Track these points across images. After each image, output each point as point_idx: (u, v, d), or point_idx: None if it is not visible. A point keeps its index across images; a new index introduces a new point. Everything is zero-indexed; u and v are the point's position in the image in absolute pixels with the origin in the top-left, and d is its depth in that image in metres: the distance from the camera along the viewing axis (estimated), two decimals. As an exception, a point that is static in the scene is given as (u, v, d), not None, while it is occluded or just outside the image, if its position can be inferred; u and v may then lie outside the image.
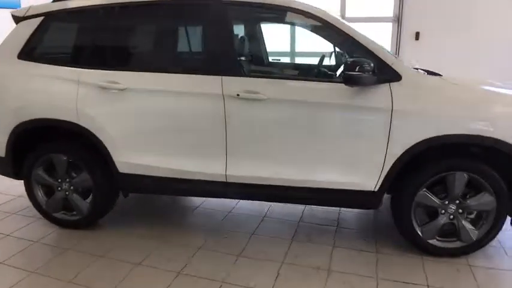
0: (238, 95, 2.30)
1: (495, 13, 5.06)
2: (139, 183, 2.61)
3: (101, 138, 2.52)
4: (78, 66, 2.55)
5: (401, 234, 2.47)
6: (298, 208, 3.07)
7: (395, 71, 2.22)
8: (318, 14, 2.31)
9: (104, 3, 2.53)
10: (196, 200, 3.23)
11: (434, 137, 2.16)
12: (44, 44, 2.70)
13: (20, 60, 2.66)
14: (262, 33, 3.33)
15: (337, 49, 2.70)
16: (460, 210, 2.31)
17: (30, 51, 2.67)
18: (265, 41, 3.25)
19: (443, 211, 2.33)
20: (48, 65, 2.61)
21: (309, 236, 2.68)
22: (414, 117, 2.19)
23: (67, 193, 2.73)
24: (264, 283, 2.16)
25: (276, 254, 2.45)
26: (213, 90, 2.34)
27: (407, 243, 2.48)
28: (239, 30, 2.99)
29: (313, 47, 3.05)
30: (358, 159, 2.31)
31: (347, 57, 2.34)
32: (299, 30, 2.97)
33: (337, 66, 2.43)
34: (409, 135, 2.20)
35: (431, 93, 2.24)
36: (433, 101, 2.21)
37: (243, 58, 2.79)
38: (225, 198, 2.69)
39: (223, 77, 2.34)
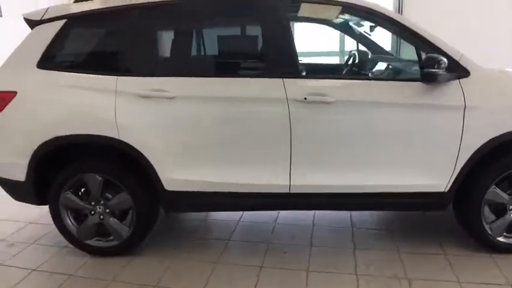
0: (305, 98, 2.13)
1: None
2: (189, 201, 2.37)
3: (145, 153, 2.24)
4: (114, 73, 2.26)
5: (470, 234, 2.42)
6: (341, 214, 2.94)
7: (463, 67, 2.15)
8: (382, 11, 2.20)
9: (144, 2, 2.26)
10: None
11: (506, 133, 2.13)
12: (69, 50, 2.39)
13: (41, 70, 2.32)
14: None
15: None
16: None
17: (52, 59, 2.35)
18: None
19: (511, 207, 2.30)
20: (76, 74, 2.30)
21: (367, 242, 2.57)
22: (486, 113, 2.14)
23: (101, 217, 2.42)
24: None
25: (346, 265, 2.31)
26: (275, 94, 2.16)
27: (467, 243, 2.44)
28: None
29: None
30: (431, 160, 2.22)
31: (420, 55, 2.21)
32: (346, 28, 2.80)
33: (406, 65, 2.33)
34: (482, 132, 2.15)
35: (499, 88, 2.20)
36: (502, 96, 2.17)
37: (303, 58, 2.62)
38: (285, 210, 2.52)
39: (285, 79, 2.16)
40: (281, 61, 2.20)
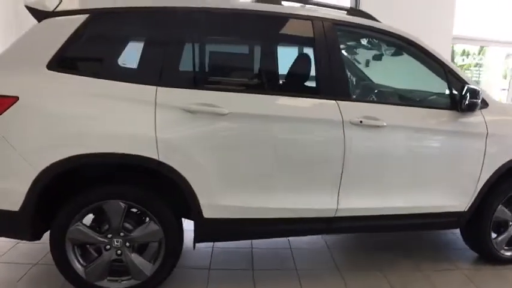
0: (361, 121, 2.12)
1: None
2: (231, 229, 2.12)
3: (187, 177, 1.95)
4: (151, 82, 1.93)
5: (478, 250, 2.67)
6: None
7: (483, 98, 2.41)
8: (421, 44, 2.35)
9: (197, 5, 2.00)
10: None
11: None
12: (91, 51, 1.98)
13: (52, 72, 1.87)
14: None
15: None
16: None
17: (69, 60, 1.91)
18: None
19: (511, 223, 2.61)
20: (101, 80, 1.90)
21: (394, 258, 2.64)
22: (502, 140, 2.41)
23: (119, 252, 2.02)
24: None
25: None
26: (331, 116, 2.10)
27: (471, 258, 2.70)
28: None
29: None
30: (456, 182, 2.40)
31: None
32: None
33: (443, 95, 2.49)
34: (499, 157, 2.41)
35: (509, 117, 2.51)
36: None
37: (355, 82, 2.59)
38: (328, 234, 2.42)
39: (339, 101, 2.13)
40: (336, 82, 2.16)
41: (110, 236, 2.00)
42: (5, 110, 1.80)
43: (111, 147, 1.86)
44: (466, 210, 2.45)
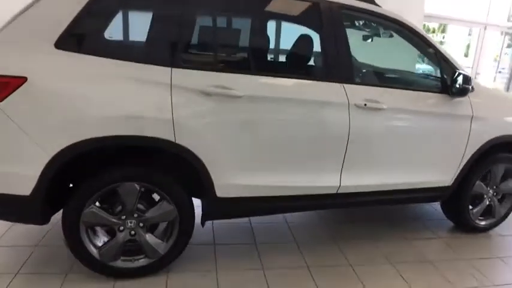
0: (365, 104, 2.22)
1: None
2: (242, 207, 2.19)
3: (202, 158, 1.98)
4: (167, 64, 1.90)
5: (456, 221, 2.95)
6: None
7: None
8: (418, 30, 2.46)
9: None
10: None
11: (499, 136, 2.66)
12: (101, 29, 1.89)
13: (61, 51, 1.78)
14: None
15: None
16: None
17: (77, 39, 1.82)
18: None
19: (488, 195, 2.89)
20: (114, 60, 1.84)
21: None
22: (485, 121, 2.63)
23: (132, 232, 2.04)
24: None
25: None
26: (338, 99, 2.18)
27: (449, 227, 3.00)
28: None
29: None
30: (446, 160, 2.61)
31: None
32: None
33: (436, 79, 2.62)
34: (481, 136, 2.63)
35: (492, 101, 2.73)
36: (495, 108, 2.70)
37: (359, 66, 2.64)
38: (330, 208, 2.56)
39: (345, 84, 2.21)
40: (342, 67, 2.23)
41: (123, 217, 2.01)
42: (13, 91, 1.71)
43: (126, 129, 1.83)
44: (450, 185, 2.68)
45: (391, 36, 2.74)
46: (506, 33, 7.28)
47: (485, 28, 6.88)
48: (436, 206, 3.20)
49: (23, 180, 1.80)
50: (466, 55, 9.68)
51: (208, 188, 2.05)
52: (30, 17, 1.79)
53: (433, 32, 10.44)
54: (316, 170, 2.27)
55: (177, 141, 1.90)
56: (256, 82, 2.06)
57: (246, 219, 2.87)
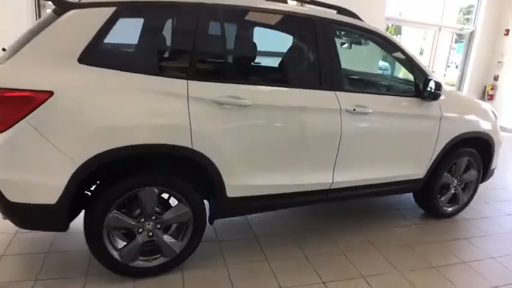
0: (354, 109, 2.51)
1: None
2: (248, 205, 2.40)
3: (215, 162, 2.17)
4: (180, 76, 2.06)
5: (426, 209, 3.35)
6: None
7: None
8: (395, 42, 2.78)
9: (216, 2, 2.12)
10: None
11: (462, 133, 3.07)
12: (120, 44, 2.01)
13: (84, 66, 1.88)
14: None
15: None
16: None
17: (99, 54, 1.93)
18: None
19: (453, 185, 3.31)
20: (134, 74, 1.97)
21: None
22: (451, 121, 3.02)
23: (150, 234, 2.19)
24: None
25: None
26: (331, 105, 2.45)
27: (420, 214, 3.40)
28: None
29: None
30: (420, 155, 2.97)
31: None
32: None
33: (411, 85, 2.97)
34: (448, 134, 3.02)
35: (456, 103, 3.12)
36: (459, 109, 3.10)
37: (348, 75, 2.89)
38: (323, 203, 2.82)
39: (336, 92, 2.48)
40: (334, 76, 2.50)
41: (142, 220, 2.15)
42: (40, 105, 1.80)
43: (149, 138, 1.98)
44: (423, 177, 3.06)
45: (367, 44, 3.05)
46: (455, 33, 8.03)
47: (439, 30, 7.52)
48: (409, 195, 3.59)
49: (49, 190, 1.89)
50: (421, 53, 10.39)
51: (219, 189, 2.24)
52: (53, 33, 1.87)
53: (390, 33, 11.12)
54: (313, 169, 2.53)
55: (193, 147, 2.07)
56: (263, 92, 2.27)
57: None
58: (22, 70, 1.82)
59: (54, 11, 2.10)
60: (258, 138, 2.28)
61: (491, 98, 7.78)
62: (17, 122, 1.79)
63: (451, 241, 3.03)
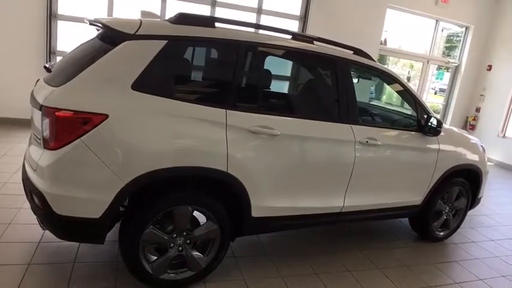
0: (367, 141, 2.77)
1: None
2: (269, 224, 2.59)
3: (245, 185, 2.36)
4: (221, 106, 2.26)
5: (420, 233, 3.64)
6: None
7: None
8: (402, 81, 3.09)
9: (251, 39, 2.34)
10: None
11: (456, 165, 3.39)
12: (168, 74, 2.19)
13: (137, 93, 2.06)
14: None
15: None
16: None
17: (150, 82, 2.10)
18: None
19: (445, 211, 3.61)
20: (181, 102, 2.16)
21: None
22: (447, 154, 3.34)
23: (180, 248, 2.34)
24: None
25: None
26: (348, 137, 2.70)
27: (413, 237, 3.68)
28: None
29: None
30: (419, 184, 3.26)
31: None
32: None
33: (413, 120, 3.27)
34: (444, 165, 3.33)
35: (452, 138, 3.45)
36: (453, 143, 3.43)
37: (361, 110, 3.15)
38: (333, 224, 3.04)
39: (352, 125, 2.74)
40: (351, 111, 2.76)
41: (174, 235, 2.30)
42: (96, 126, 1.96)
43: (192, 161, 2.16)
44: (420, 203, 3.34)
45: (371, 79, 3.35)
46: (441, 66, 8.64)
47: (427, 62, 8.04)
48: (404, 220, 3.87)
49: (95, 205, 2.03)
50: (408, 79, 10.98)
51: (246, 209, 2.43)
52: (110, 60, 2.04)
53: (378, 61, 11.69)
54: (327, 194, 2.77)
55: (228, 171, 2.26)
56: (290, 123, 2.50)
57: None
58: (81, 93, 1.98)
59: (101, 38, 2.28)
60: (283, 164, 2.50)
61: (472, 128, 8.33)
62: (73, 141, 1.94)
63: (443, 263, 3.31)
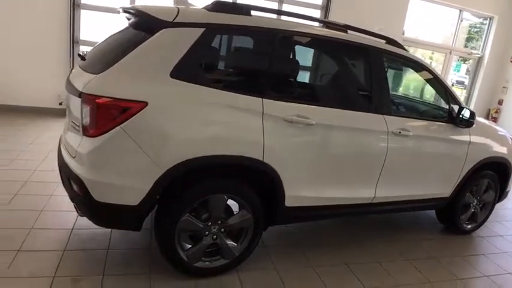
0: (400, 132, 2.73)
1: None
2: (301, 214, 2.59)
3: (280, 174, 2.35)
4: (257, 94, 2.24)
5: (448, 225, 3.60)
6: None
7: None
8: (435, 72, 3.03)
9: (293, 28, 2.31)
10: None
11: (486, 157, 3.33)
12: (205, 62, 2.18)
13: (175, 80, 2.05)
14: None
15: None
16: None
17: (188, 70, 2.09)
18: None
19: (473, 204, 3.56)
20: (218, 90, 2.15)
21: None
22: (477, 146, 3.28)
23: (214, 237, 2.36)
24: None
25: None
26: (381, 127, 2.67)
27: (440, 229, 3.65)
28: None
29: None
30: (448, 176, 3.22)
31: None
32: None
33: (443, 111, 3.21)
34: (474, 158, 3.28)
35: (482, 130, 3.39)
36: (484, 135, 3.36)
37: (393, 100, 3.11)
38: (365, 215, 3.02)
39: (385, 116, 2.70)
40: (383, 100, 2.72)
41: (209, 223, 2.31)
42: (135, 114, 1.96)
43: (229, 150, 2.16)
44: (449, 196, 3.30)
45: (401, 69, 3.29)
46: (462, 57, 8.47)
47: (450, 53, 7.88)
48: (429, 211, 3.83)
49: (134, 192, 2.05)
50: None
51: (279, 199, 2.42)
52: (148, 48, 2.03)
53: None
54: (359, 184, 2.75)
55: (264, 160, 2.26)
56: (325, 112, 2.47)
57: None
58: (120, 81, 1.98)
59: (136, 26, 2.27)
60: (317, 154, 2.48)
61: (494, 120, 8.18)
62: (113, 128, 1.95)
63: (471, 256, 3.28)
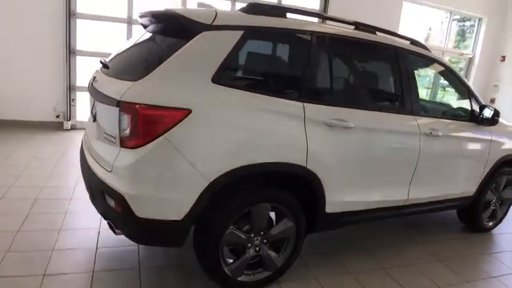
0: (431, 133, 2.71)
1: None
2: (340, 220, 2.51)
3: (322, 179, 2.27)
4: (298, 99, 2.16)
5: (469, 223, 3.61)
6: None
7: None
8: (457, 73, 3.04)
9: (331, 31, 2.26)
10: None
11: (506, 155, 3.36)
12: (245, 66, 2.09)
13: (217, 86, 1.95)
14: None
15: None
16: None
17: (229, 75, 2.01)
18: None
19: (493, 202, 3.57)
20: (259, 95, 2.05)
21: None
22: (498, 144, 3.30)
23: (257, 249, 2.25)
24: None
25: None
26: (413, 129, 2.64)
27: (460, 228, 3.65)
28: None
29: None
30: (474, 174, 3.22)
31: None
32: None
33: (465, 111, 3.23)
34: (495, 156, 3.30)
35: (500, 127, 3.42)
36: (503, 132, 3.39)
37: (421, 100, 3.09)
38: (398, 217, 2.97)
39: (416, 117, 2.68)
40: (414, 102, 2.70)
41: (252, 235, 2.21)
42: (179, 122, 1.84)
43: (274, 157, 2.06)
44: (473, 194, 3.30)
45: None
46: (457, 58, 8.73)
47: (443, 54, 8.07)
48: (447, 212, 3.81)
49: (179, 206, 1.92)
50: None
51: (321, 205, 2.34)
52: (187, 53, 1.92)
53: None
54: (394, 187, 2.70)
55: (307, 166, 2.17)
56: (361, 115, 2.42)
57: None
58: (162, 88, 1.86)
59: (164, 31, 2.17)
60: (355, 157, 2.42)
61: (486, 118, 8.37)
62: (156, 138, 1.83)
63: (498, 253, 3.28)
